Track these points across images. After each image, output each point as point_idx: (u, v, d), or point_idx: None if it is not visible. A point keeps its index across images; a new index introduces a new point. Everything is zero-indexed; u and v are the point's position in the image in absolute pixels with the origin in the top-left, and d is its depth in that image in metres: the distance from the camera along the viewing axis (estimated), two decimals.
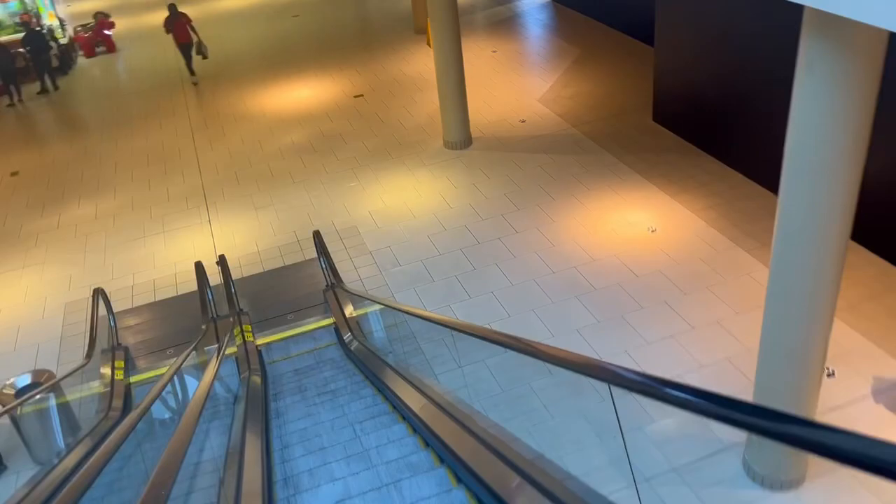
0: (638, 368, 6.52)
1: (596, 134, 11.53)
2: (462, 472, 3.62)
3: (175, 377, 6.14)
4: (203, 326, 7.87)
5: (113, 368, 7.88)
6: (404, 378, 5.32)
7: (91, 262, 10.15)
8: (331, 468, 4.44)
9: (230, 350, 7.81)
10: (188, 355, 6.00)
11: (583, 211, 9.63)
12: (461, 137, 11.69)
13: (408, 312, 5.71)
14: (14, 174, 13.30)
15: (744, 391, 6.33)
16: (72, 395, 7.17)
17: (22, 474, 6.60)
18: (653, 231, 8.98)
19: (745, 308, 7.49)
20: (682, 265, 8.30)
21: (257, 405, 6.13)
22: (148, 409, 4.05)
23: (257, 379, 7.25)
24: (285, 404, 6.79)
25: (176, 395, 6.01)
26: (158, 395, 4.38)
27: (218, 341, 7.29)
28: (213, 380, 4.71)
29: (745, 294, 7.69)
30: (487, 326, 7.74)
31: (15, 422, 6.55)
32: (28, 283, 9.85)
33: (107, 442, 2.95)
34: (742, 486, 5.67)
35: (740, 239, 8.59)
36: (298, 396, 6.98)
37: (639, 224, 9.17)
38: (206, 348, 7.57)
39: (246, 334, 8.23)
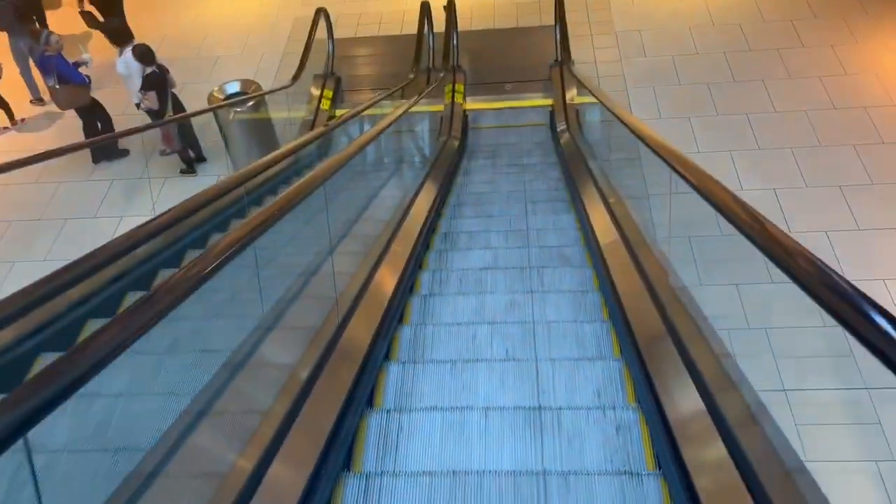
0: None
1: None
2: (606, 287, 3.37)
3: (367, 119, 6.01)
4: (411, 75, 7.56)
5: (321, 97, 7.99)
6: (602, 193, 4.71)
7: None
8: (489, 236, 4.53)
9: (436, 108, 7.52)
10: (383, 98, 5.78)
11: None
12: None
13: (627, 124, 4.92)
14: None
15: None
16: (276, 114, 7.38)
17: (222, 176, 7.09)
18: None
19: None
20: None
21: (443, 171, 5.92)
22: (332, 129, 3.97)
23: (454, 144, 6.98)
24: (476, 165, 6.77)
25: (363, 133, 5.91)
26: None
27: (421, 90, 6.98)
28: (398, 118, 4.54)
29: None
30: (728, 153, 6.65)
31: (221, 126, 6.90)
32: None
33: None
34: None
35: None
36: (490, 161, 6.86)
37: None
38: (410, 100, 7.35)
39: (456, 95, 7.86)
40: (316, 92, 8.12)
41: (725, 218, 2.15)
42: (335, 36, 8.60)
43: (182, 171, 7.21)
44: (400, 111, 5.21)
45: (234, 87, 7.01)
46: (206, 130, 7.44)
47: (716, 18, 8.32)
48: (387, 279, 3.24)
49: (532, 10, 9.00)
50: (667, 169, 2.87)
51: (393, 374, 2.59)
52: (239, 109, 6.77)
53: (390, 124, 4.54)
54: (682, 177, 2.71)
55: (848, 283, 1.34)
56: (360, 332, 2.68)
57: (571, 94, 7.51)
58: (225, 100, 6.79)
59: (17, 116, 8.03)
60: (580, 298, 3.30)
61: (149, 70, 6.52)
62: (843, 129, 6.77)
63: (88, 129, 7.23)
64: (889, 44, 7.61)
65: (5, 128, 7.96)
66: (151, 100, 6.54)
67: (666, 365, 2.43)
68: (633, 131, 3.80)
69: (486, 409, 2.36)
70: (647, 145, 3.37)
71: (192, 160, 7.24)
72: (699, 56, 7.88)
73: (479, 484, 2.09)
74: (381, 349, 2.73)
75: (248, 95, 6.73)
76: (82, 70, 6.94)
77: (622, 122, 4.63)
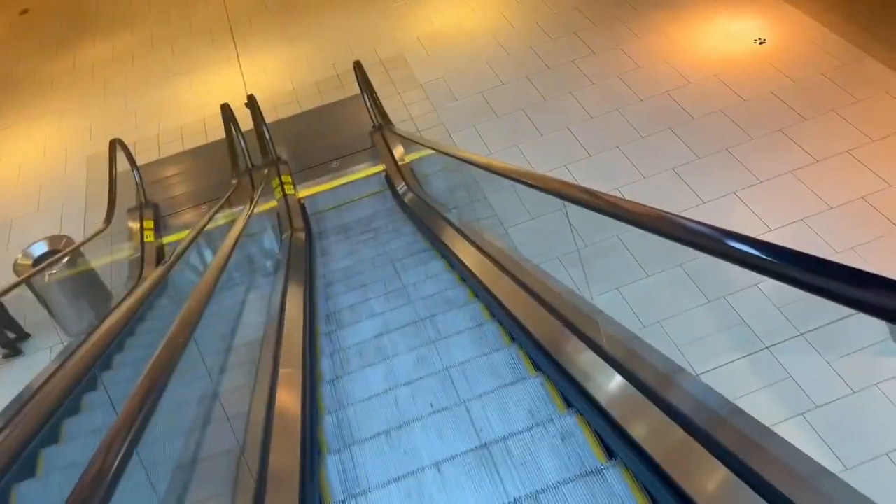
0: (749, 213, 5.89)
1: None
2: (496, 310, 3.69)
3: (202, 239, 5.98)
4: (234, 180, 7.62)
5: (142, 229, 7.83)
6: (461, 232, 5.01)
7: (112, 109, 10.00)
8: (371, 304, 4.68)
9: (270, 205, 7.60)
10: (213, 215, 5.78)
11: (674, 23, 8.73)
12: None
13: (462, 159, 5.29)
14: (24, 12, 13.02)
15: (888, 236, 5.71)
16: (98, 261, 7.15)
17: (54, 348, 6.72)
18: (760, 42, 8.07)
19: (882, 132, 6.70)
20: (800, 84, 7.47)
21: (300, 263, 5.97)
22: (167, 272, 3.94)
23: (301, 237, 7.07)
24: (329, 245, 6.95)
25: (202, 259, 5.85)
26: (178, 258, 4.19)
27: (251, 196, 7.04)
28: (238, 238, 4.53)
29: (883, 115, 6.87)
30: (564, 168, 7.22)
31: (37, 294, 6.55)
32: (47, 135, 9.82)
33: (125, 304, 2.80)
34: (891, 353, 5.13)
35: (872, 47, 7.60)
36: (342, 237, 7.05)
37: (742, 35, 8.26)
38: (238, 208, 7.38)
39: (286, 186, 7.98)
40: (135, 225, 7.96)
41: (569, 201, 2.52)
42: (139, 162, 8.52)
43: (5, 357, 6.78)
44: (239, 226, 5.21)
45: (40, 249, 6.68)
46: (22, 304, 7.03)
47: (509, 48, 9.08)
48: (288, 389, 3.22)
49: (333, 84, 9.38)
50: (514, 191, 3.19)
51: (332, 467, 2.63)
52: (53, 271, 6.46)
53: (235, 244, 4.55)
54: (519, 181, 3.06)
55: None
56: (285, 455, 2.69)
57: (400, 153, 7.88)
58: (33, 264, 6.48)
59: None
60: (478, 333, 3.53)
61: None
62: (656, 116, 7.56)
63: None
64: (665, 31, 8.63)
65: None
66: None
67: (584, 363, 2.66)
68: (470, 162, 4.14)
69: (435, 464, 2.47)
70: (485, 168, 3.70)
71: (11, 341, 6.84)
72: (506, 87, 8.54)
73: None
74: (311, 457, 2.75)
75: (67, 250, 6.48)
76: None
77: (458, 158, 4.99)
